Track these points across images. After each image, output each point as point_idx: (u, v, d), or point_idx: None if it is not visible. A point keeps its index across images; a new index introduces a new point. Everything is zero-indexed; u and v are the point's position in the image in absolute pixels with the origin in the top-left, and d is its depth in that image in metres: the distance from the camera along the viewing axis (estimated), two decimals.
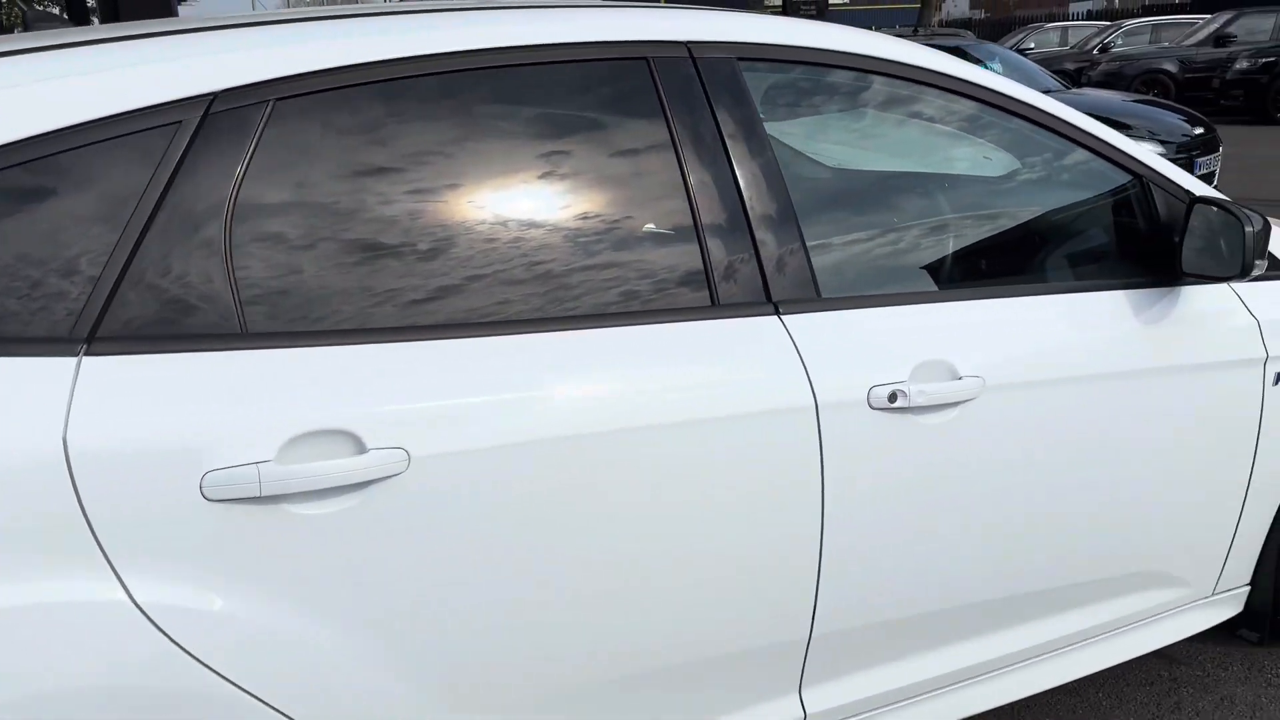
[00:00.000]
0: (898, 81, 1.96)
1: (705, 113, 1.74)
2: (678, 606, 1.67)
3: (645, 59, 1.74)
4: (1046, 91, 8.25)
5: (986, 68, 8.34)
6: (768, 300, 1.74)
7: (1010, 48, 19.80)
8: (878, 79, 1.95)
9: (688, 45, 1.78)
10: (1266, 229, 1.99)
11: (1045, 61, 18.16)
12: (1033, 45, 20.17)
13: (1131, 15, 26.66)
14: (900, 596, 1.88)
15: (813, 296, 1.78)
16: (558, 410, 1.54)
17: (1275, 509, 2.35)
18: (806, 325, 1.75)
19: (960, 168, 2.10)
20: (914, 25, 17.40)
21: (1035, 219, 2.10)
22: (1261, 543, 2.37)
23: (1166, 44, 17.31)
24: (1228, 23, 16.08)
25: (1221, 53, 15.43)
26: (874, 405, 1.76)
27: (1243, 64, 14.46)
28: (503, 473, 1.50)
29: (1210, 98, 14.89)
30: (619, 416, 1.58)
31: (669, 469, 1.62)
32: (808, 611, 1.79)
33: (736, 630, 1.74)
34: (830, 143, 2.00)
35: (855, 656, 1.89)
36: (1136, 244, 2.15)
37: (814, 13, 14.92)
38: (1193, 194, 2.16)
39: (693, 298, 1.69)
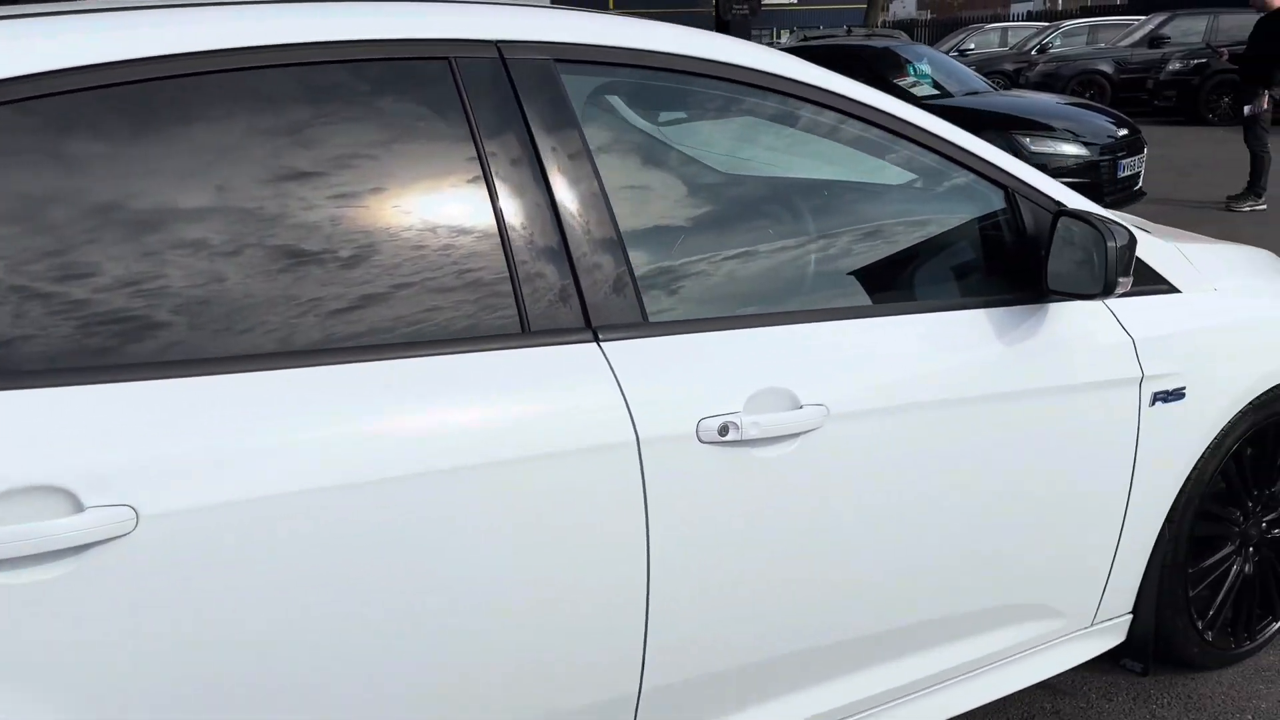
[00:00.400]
0: (740, 87, 1.81)
1: (516, 119, 1.59)
2: (483, 672, 1.51)
3: (447, 59, 1.57)
4: (973, 93, 8.22)
5: (915, 69, 8.31)
6: (586, 326, 1.58)
7: (950, 49, 19.97)
8: (717, 84, 1.80)
9: (497, 45, 1.62)
10: (1132, 244, 1.87)
11: (985, 62, 18.29)
12: (973, 46, 20.28)
13: (1072, 16, 26.94)
14: (742, 642, 1.74)
15: (638, 321, 1.63)
16: (337, 454, 1.37)
17: (1156, 536, 2.24)
18: (630, 353, 1.60)
19: (809, 180, 1.96)
20: (847, 26, 17.36)
21: (894, 234, 1.97)
22: (1142, 571, 2.26)
23: (1103, 45, 17.46)
24: (1162, 24, 16.24)
25: (1155, 54, 15.58)
26: (703, 439, 1.61)
27: (1175, 65, 14.60)
28: (260, 531, 1.33)
29: (1144, 99, 15.02)
30: (407, 460, 1.42)
31: (468, 517, 1.46)
32: (636, 665, 1.64)
33: (556, 690, 1.59)
34: (664, 154, 1.85)
35: (695, 709, 1.75)
36: (1004, 259, 2.03)
37: (746, 12, 14.79)
38: (1062, 205, 2.04)
39: (501, 325, 1.53)
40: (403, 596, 1.43)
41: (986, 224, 2.03)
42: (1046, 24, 19.76)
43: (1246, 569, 2.47)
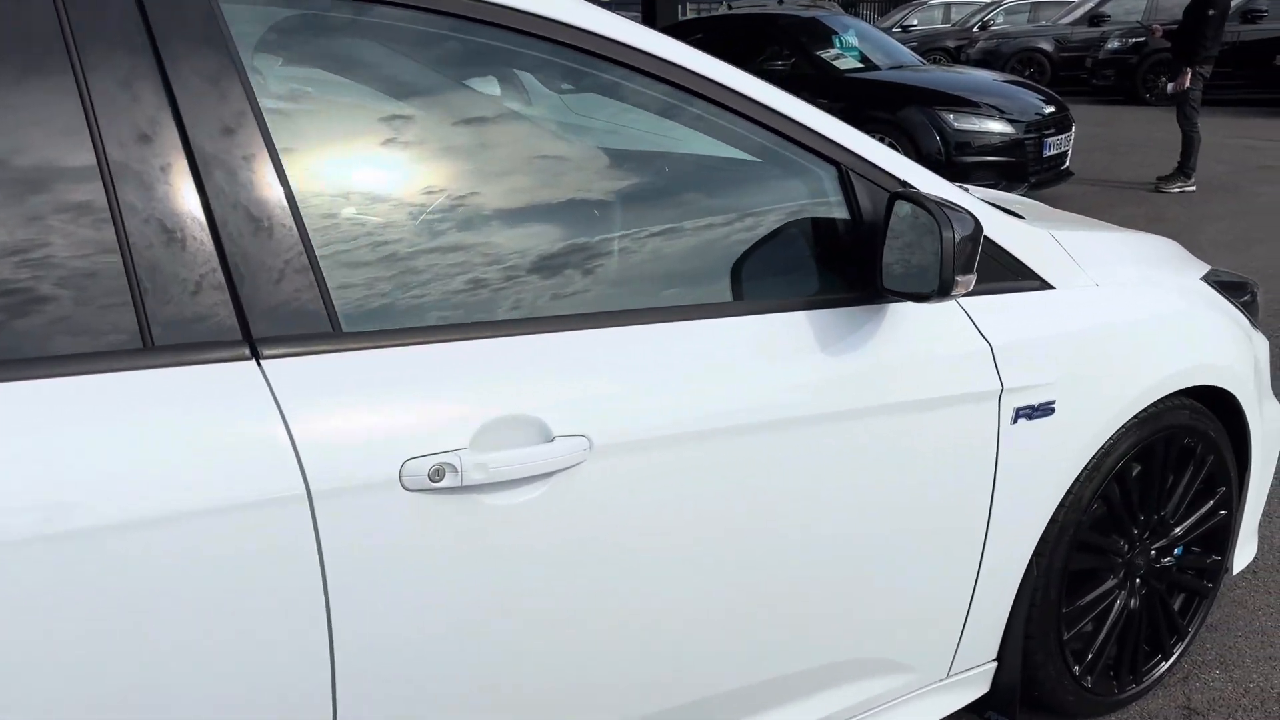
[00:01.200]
0: (490, 31, 1.43)
1: (146, 60, 1.19)
2: None
3: None
4: (898, 67, 7.91)
5: (840, 41, 7.96)
6: (243, 339, 1.20)
7: (894, 24, 19.64)
8: (459, 24, 1.41)
9: None
10: (976, 234, 1.53)
11: (927, 39, 18.02)
12: (915, 22, 19.98)
13: None
14: None
15: (324, 332, 1.25)
16: None
17: (1022, 572, 1.92)
18: (305, 374, 1.22)
19: (585, 152, 1.59)
20: None
21: (698, 222, 1.61)
22: (1006, 612, 1.94)
23: (1045, 22, 17.25)
24: (1102, 2, 16.05)
25: (1095, 32, 15.38)
26: (410, 486, 1.24)
27: (1114, 44, 14.40)
28: None
29: (1084, 77, 14.83)
30: None
31: (37, 602, 1.08)
32: None
33: None
34: (381, 111, 1.46)
35: None
36: (835, 251, 1.68)
37: None
38: (906, 185, 1.70)
39: (112, 337, 1.14)
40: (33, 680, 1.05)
41: (816, 208, 1.67)
42: (989, 0, 19.52)
43: (1132, 604, 2.17)
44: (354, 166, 1.35)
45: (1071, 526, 1.96)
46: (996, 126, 6.99)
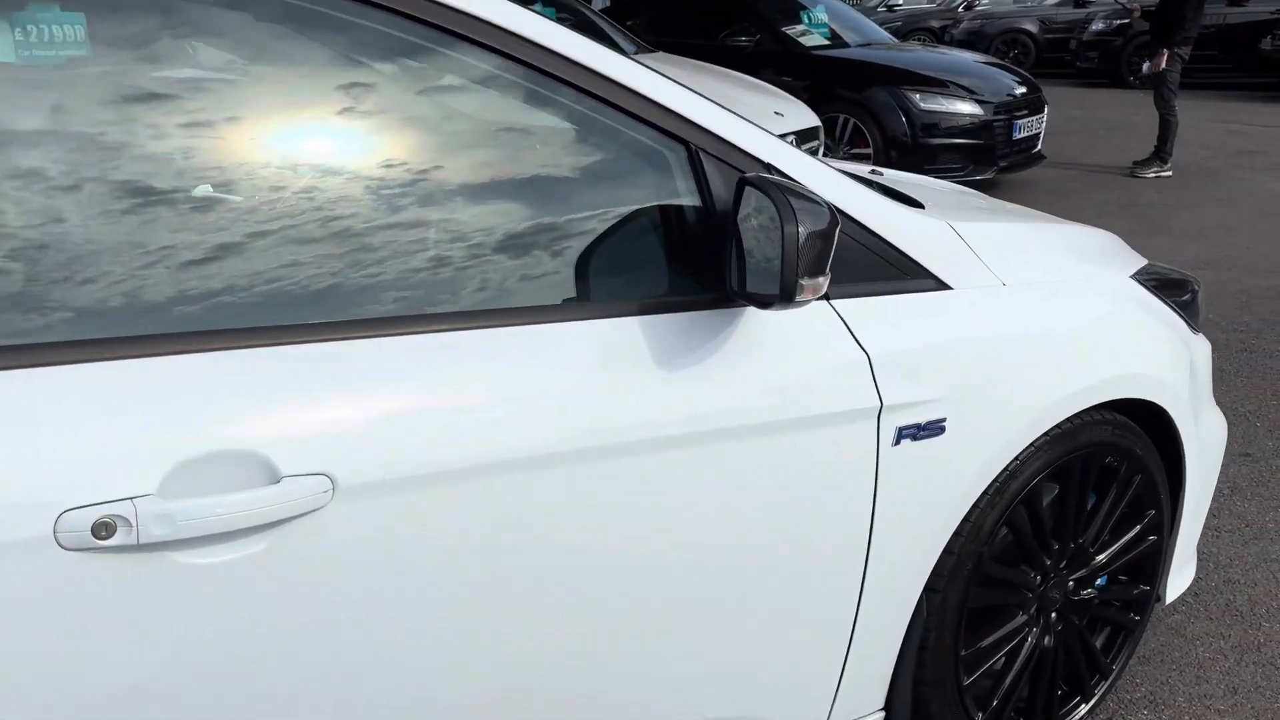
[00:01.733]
0: None
1: None
2: None
3: None
4: (867, 44, 7.64)
5: (809, 17, 7.68)
6: None
7: (879, 4, 19.29)
8: None
9: None
10: (828, 230, 1.28)
11: (911, 19, 17.71)
12: (901, 1, 19.65)
13: None
14: None
15: None
16: None
17: (911, 611, 1.68)
18: None
19: (364, 127, 1.33)
20: None
21: (511, 211, 1.36)
22: (894, 657, 1.71)
23: (1030, 3, 16.95)
24: None
25: (1080, 13, 15.10)
26: (67, 544, 0.99)
27: (1098, 25, 14.13)
28: None
29: (1069, 59, 14.56)
30: None
31: None
32: None
33: None
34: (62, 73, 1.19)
35: None
36: (685, 245, 1.43)
37: None
38: (772, 165, 1.46)
39: None
40: None
41: (663, 195, 1.42)
42: None
43: (1046, 641, 1.93)
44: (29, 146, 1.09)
45: (971, 558, 1.72)
46: (965, 108, 6.74)
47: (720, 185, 1.43)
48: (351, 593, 1.15)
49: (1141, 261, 2.12)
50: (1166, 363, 1.91)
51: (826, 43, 7.49)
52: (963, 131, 6.71)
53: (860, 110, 6.77)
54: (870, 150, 6.72)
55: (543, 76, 1.33)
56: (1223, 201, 6.88)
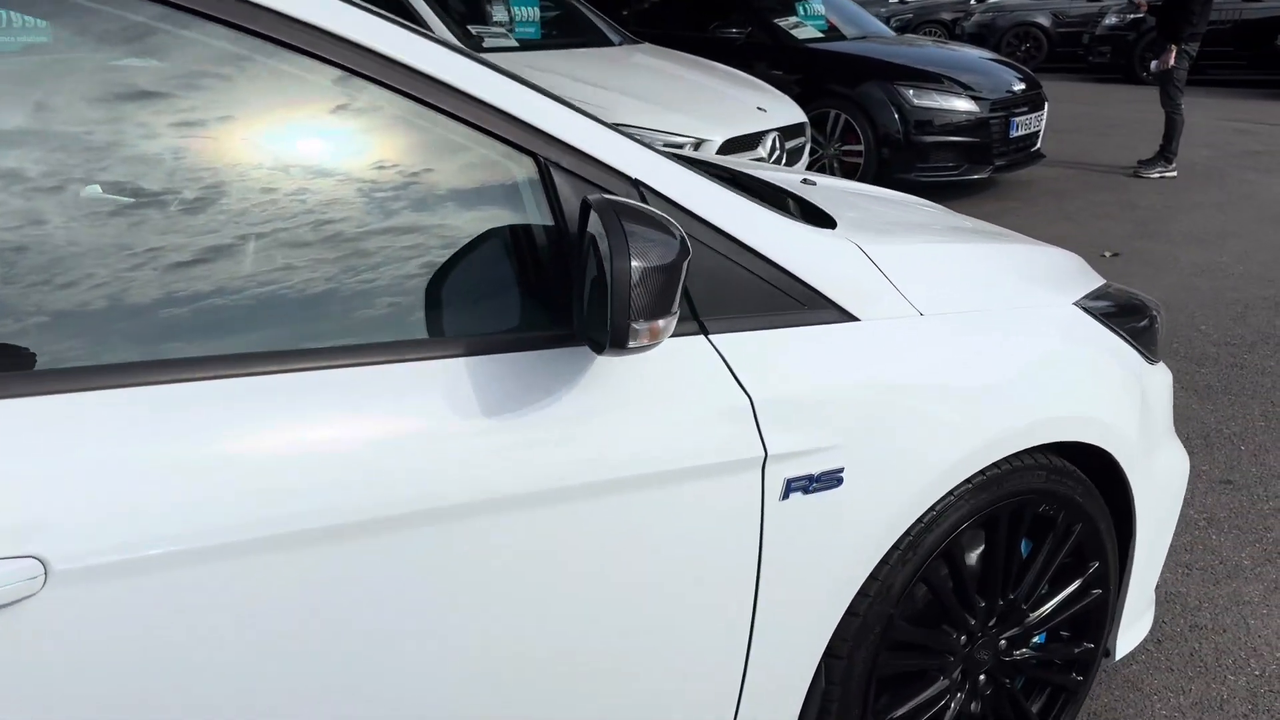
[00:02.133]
0: None
1: None
2: None
3: None
4: (863, 38, 7.42)
5: (805, 9, 7.46)
6: None
7: None
8: None
9: None
10: (674, 265, 1.09)
11: (923, 11, 17.42)
12: None
13: None
14: None
15: None
16: None
17: (808, 682, 1.50)
18: None
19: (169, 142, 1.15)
20: None
21: (326, 235, 1.18)
22: None
23: None
24: None
25: (1093, 7, 14.79)
26: None
27: (1111, 20, 13.81)
28: None
29: (1082, 54, 14.27)
30: None
31: None
32: None
33: None
34: None
35: None
36: (540, 275, 1.25)
37: None
38: (641, 181, 1.28)
39: None
40: None
41: (512, 217, 1.24)
42: None
43: (973, 707, 1.75)
44: None
45: (879, 621, 1.54)
46: (960, 104, 6.52)
47: (573, 205, 1.24)
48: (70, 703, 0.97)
49: (1097, 284, 1.93)
50: (1110, 401, 1.72)
51: (820, 35, 7.28)
52: (957, 129, 6.50)
53: (852, 105, 6.56)
54: (862, 147, 6.51)
55: (354, 77, 1.14)
56: (1225, 205, 6.64)
